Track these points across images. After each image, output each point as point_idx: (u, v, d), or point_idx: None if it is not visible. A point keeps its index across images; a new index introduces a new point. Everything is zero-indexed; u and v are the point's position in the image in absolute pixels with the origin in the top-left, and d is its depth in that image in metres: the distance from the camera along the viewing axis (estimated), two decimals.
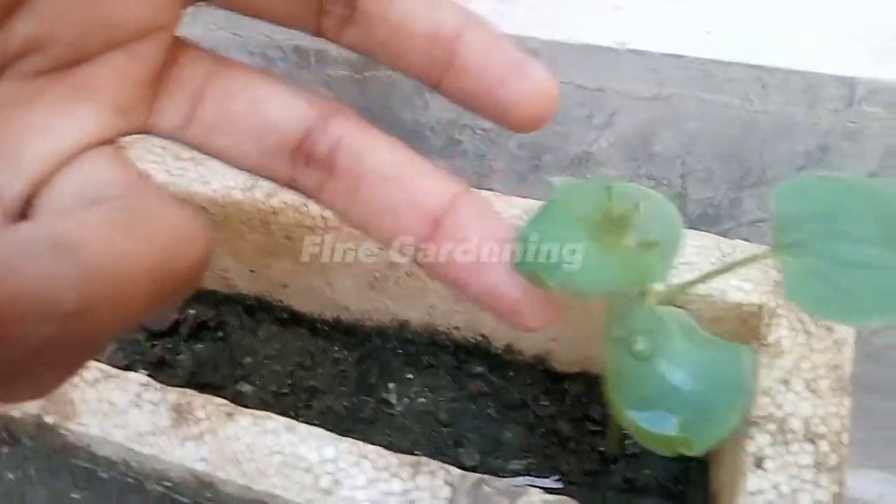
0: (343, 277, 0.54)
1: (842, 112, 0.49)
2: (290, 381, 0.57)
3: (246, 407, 0.54)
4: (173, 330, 0.60)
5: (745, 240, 0.60)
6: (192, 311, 0.61)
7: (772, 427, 0.40)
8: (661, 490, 0.49)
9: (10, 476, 0.50)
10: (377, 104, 0.60)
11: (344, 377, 0.57)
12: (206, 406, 0.44)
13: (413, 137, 0.62)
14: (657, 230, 0.38)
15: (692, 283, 0.36)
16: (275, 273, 0.57)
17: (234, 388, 0.56)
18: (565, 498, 0.40)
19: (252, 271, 0.57)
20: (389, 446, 0.51)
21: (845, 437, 0.40)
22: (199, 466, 0.42)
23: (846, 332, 0.42)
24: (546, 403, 0.53)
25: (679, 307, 0.44)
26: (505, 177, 0.62)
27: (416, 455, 0.51)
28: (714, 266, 0.45)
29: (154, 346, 0.59)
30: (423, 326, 0.56)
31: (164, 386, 0.46)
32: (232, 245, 0.55)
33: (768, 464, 0.39)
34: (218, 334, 0.60)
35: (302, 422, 0.54)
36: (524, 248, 0.31)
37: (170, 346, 0.59)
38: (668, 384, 0.31)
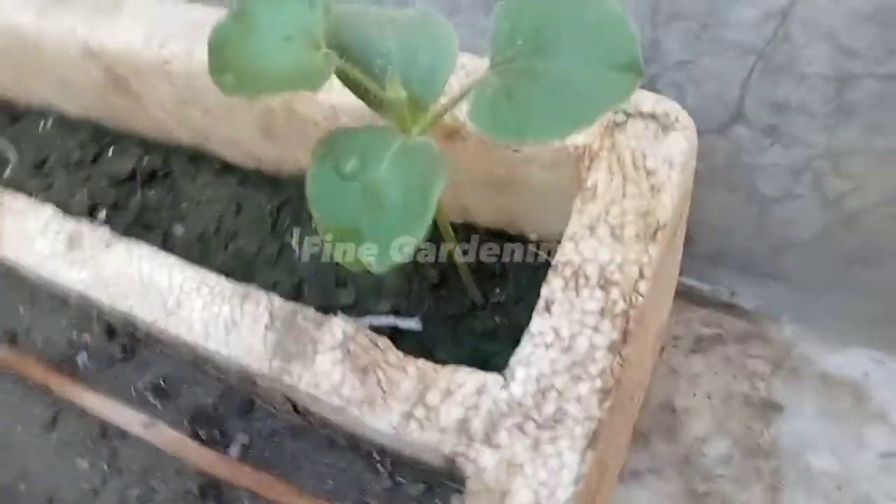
0: (240, 126, 0.56)
1: None
2: (216, 226, 0.62)
3: (173, 249, 0.61)
4: (131, 177, 0.66)
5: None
6: (146, 160, 0.67)
7: (567, 272, 0.39)
8: (514, 335, 0.49)
9: None
10: None
11: (261, 222, 0.61)
12: (93, 234, 0.50)
13: None
14: (427, 52, 0.36)
15: (442, 111, 0.35)
16: (195, 123, 0.60)
17: (169, 229, 0.62)
18: (364, 329, 0.42)
19: (179, 122, 0.62)
20: (278, 285, 0.56)
21: (642, 286, 0.38)
22: (80, 287, 0.49)
23: (665, 177, 0.39)
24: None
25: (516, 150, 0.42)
26: None
27: (299, 291, 0.55)
28: None
29: (114, 190, 0.66)
30: None
31: (65, 217, 0.52)
32: (154, 97, 0.59)
33: (555, 308, 0.39)
34: (166, 181, 0.66)
35: (217, 261, 0.60)
36: (215, 44, 0.32)
37: (126, 191, 0.66)
38: (365, 204, 0.31)
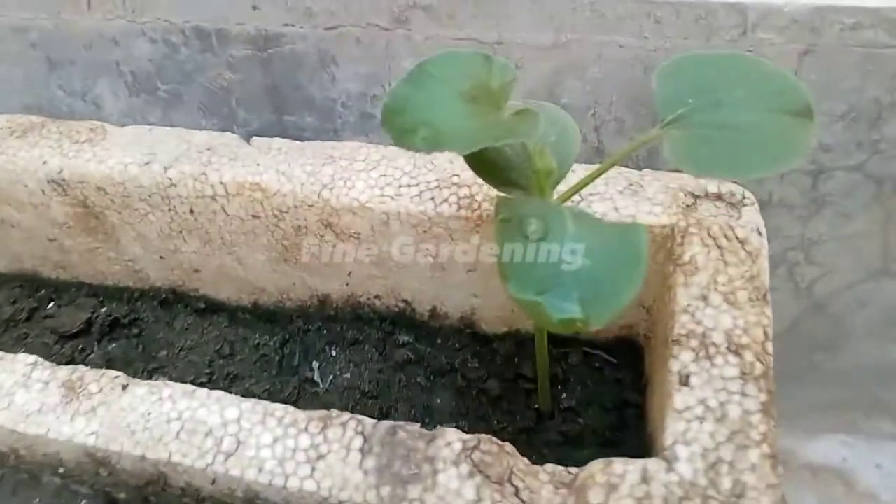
0: (252, 251, 0.51)
1: (738, 41, 0.49)
2: (208, 371, 0.53)
3: None
4: (85, 330, 0.56)
5: None
6: (104, 310, 0.58)
7: (694, 343, 0.39)
8: (597, 439, 0.46)
9: None
10: (284, 81, 0.59)
11: (266, 362, 0.54)
12: (100, 380, 0.41)
13: (324, 115, 0.60)
14: (553, 132, 0.37)
15: (582, 183, 0.35)
16: (185, 257, 0.54)
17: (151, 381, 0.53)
18: (485, 436, 0.38)
19: (162, 258, 0.55)
20: None
21: (769, 346, 0.38)
22: (91, 441, 0.39)
23: (758, 243, 0.41)
24: (476, 366, 0.51)
25: None
26: None
27: None
28: (623, 194, 0.44)
29: (63, 348, 0.56)
30: (345, 299, 0.53)
31: (54, 364, 0.42)
32: (137, 229, 0.53)
33: (694, 380, 0.37)
34: (132, 331, 0.57)
35: None
36: (393, 107, 0.30)
37: (80, 346, 0.56)
38: (562, 263, 0.29)
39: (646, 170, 0.46)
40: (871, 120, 0.52)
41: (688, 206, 0.44)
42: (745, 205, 0.44)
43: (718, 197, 0.44)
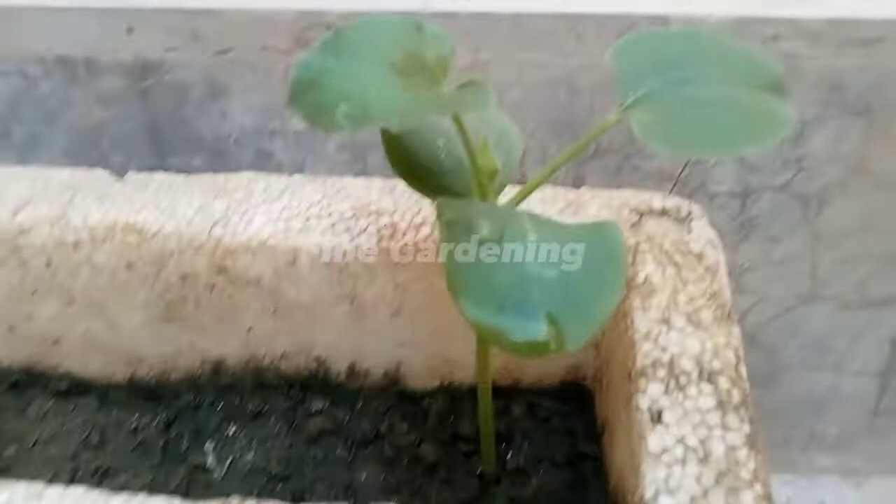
0: (127, 310, 0.42)
1: None
2: (71, 467, 0.43)
3: None
4: None
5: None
6: None
7: (662, 373, 0.34)
8: (553, 502, 0.40)
9: None
10: (166, 118, 0.51)
11: (146, 449, 0.44)
12: None
13: (215, 155, 0.53)
14: (491, 133, 0.32)
15: (534, 184, 0.30)
16: (40, 325, 0.44)
17: None
18: None
19: (10, 329, 0.44)
20: None
21: (743, 370, 0.34)
22: None
23: (715, 257, 0.38)
24: (405, 430, 0.43)
25: None
26: None
27: None
28: (563, 214, 0.40)
29: None
30: (243, 363, 0.45)
31: None
32: None
33: (667, 416, 0.32)
34: None
35: None
36: (305, 80, 0.24)
37: None
38: (525, 273, 0.23)
39: (583, 187, 0.42)
40: (793, 136, 0.51)
41: (632, 224, 0.40)
42: (692, 219, 0.40)
43: (664, 212, 0.40)
